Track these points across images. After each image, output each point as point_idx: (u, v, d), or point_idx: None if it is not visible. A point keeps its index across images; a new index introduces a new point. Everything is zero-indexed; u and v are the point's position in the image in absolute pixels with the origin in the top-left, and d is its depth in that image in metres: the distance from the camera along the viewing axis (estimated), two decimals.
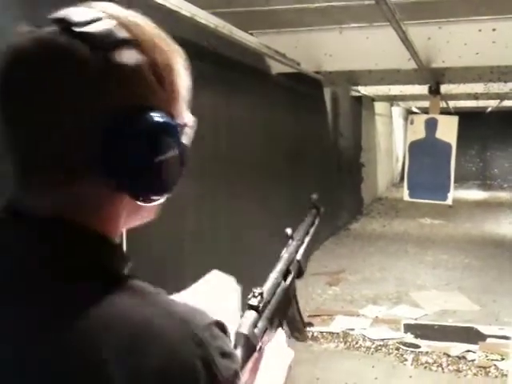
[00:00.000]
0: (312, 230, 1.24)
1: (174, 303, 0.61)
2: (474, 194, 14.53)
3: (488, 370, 3.97)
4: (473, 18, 4.59)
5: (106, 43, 0.59)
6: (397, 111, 15.35)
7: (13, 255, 0.60)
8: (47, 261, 0.59)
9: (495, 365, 4.03)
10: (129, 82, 0.60)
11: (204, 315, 0.61)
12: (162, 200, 0.66)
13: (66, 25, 0.59)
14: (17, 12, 2.28)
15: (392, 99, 11.32)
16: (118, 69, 0.59)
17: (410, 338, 4.54)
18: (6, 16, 2.22)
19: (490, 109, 13.09)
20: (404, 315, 5.07)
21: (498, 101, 10.27)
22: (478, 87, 7.72)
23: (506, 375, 3.83)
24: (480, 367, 4.01)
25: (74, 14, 0.61)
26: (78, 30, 0.59)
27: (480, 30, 4.75)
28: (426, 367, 4.04)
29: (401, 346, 4.37)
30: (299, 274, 1.14)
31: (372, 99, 11.00)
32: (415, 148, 6.50)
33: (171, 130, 0.63)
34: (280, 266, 1.08)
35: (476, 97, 9.05)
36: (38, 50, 0.59)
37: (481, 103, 11.07)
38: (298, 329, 1.17)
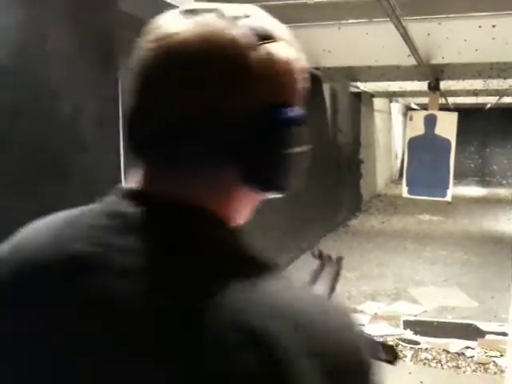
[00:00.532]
0: (324, 275, 1.24)
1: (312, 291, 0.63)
2: (473, 191, 14.53)
3: (487, 366, 3.98)
4: (473, 15, 4.58)
5: (263, 35, 0.60)
6: (396, 107, 15.34)
7: (143, 238, 0.59)
8: (184, 246, 0.59)
9: (494, 361, 4.03)
10: (279, 74, 0.61)
11: (347, 312, 0.61)
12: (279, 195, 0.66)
13: (222, 13, 0.60)
14: (18, 10, 2.26)
15: (391, 95, 11.33)
16: (273, 59, 0.60)
17: (409, 334, 4.54)
18: (8, 15, 2.21)
19: (489, 105, 13.09)
20: (403, 311, 5.07)
21: (498, 97, 10.27)
22: (477, 83, 7.71)
23: (504, 371, 3.84)
24: (479, 364, 4.01)
25: (225, 7, 0.62)
26: (238, 20, 0.60)
27: (480, 27, 4.74)
28: (425, 363, 4.04)
29: (400, 343, 4.37)
30: None
31: (371, 95, 10.98)
32: (414, 144, 6.50)
33: (301, 127, 0.63)
34: None
35: (475, 93, 9.05)
36: (196, 33, 0.59)
37: (480, 100, 11.06)
38: (384, 352, 1.17)
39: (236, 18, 0.60)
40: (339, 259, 1.30)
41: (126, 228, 0.59)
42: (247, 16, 0.61)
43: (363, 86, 8.95)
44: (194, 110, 0.59)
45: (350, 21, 4.73)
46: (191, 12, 0.61)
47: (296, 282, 0.61)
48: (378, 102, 12.47)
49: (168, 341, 0.54)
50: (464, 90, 8.63)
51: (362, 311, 5.08)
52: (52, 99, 2.44)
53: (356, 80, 7.62)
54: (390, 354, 1.21)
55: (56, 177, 2.44)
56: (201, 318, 0.54)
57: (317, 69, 6.05)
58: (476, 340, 4.38)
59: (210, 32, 0.59)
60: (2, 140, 2.23)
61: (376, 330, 4.63)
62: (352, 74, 6.81)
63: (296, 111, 0.62)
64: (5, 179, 2.19)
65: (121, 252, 0.58)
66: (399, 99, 13.21)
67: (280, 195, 0.66)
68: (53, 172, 2.43)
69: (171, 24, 0.61)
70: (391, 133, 15.07)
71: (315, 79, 6.85)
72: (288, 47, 0.63)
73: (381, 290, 5.75)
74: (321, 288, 1.20)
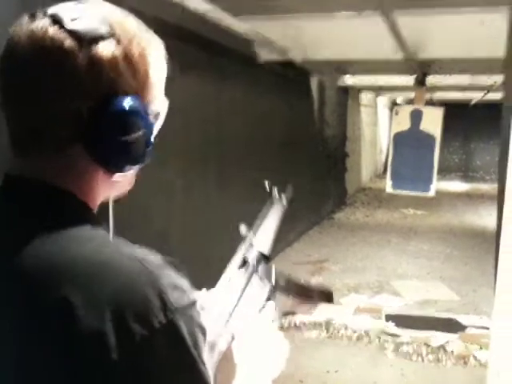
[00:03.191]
0: (269, 217, 1.22)
1: (131, 247, 0.69)
2: (457, 186, 14.65)
3: (467, 359, 4.02)
4: (461, 9, 4.58)
5: (88, 37, 0.69)
6: (382, 102, 15.39)
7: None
8: (23, 211, 0.70)
9: (474, 355, 4.08)
10: (104, 71, 0.69)
11: (157, 257, 0.69)
12: (130, 172, 0.77)
13: (56, 19, 0.70)
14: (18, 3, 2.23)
15: (378, 90, 11.36)
16: (96, 59, 0.69)
17: (391, 327, 4.57)
18: (6, 6, 2.17)
19: (474, 101, 13.16)
20: (385, 304, 5.11)
21: (483, 93, 10.32)
22: (463, 79, 7.75)
23: (484, 365, 3.88)
24: (459, 357, 4.06)
25: (66, 10, 0.71)
26: (66, 24, 0.69)
27: (468, 22, 4.75)
28: (406, 357, 4.08)
29: (382, 336, 4.40)
30: (266, 258, 1.13)
31: (358, 89, 11.00)
32: (399, 139, 6.52)
33: (137, 114, 0.73)
34: (231, 263, 1.09)
35: (461, 89, 9.09)
36: (30, 41, 0.69)
37: (466, 95, 11.12)
38: (316, 297, 1.20)
39: (68, 21, 0.69)
40: (291, 200, 1.31)
41: None
42: (79, 18, 0.70)
43: (350, 80, 8.96)
44: (32, 107, 0.70)
45: (340, 13, 4.71)
46: (33, 17, 0.70)
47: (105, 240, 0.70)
48: (365, 96, 12.50)
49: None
50: (450, 86, 8.67)
51: (345, 304, 5.11)
52: None
53: (343, 73, 7.62)
54: (324, 296, 1.23)
55: None
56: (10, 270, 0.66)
57: (305, 61, 6.04)
58: (457, 333, 4.43)
59: (41, 39, 0.68)
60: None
61: (358, 322, 4.66)
62: (339, 67, 6.80)
63: (127, 101, 0.71)
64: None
65: None
66: (386, 94, 13.25)
67: (125, 174, 0.76)
68: None
69: (15, 31, 0.71)
70: (377, 127, 15.12)
71: (304, 72, 6.84)
72: (123, 44, 0.71)
73: (364, 282, 5.78)
74: (267, 226, 1.20)
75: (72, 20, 0.69)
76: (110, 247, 0.69)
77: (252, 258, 1.09)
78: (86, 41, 0.69)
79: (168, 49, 0.82)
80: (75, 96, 0.69)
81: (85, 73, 0.68)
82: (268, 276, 1.10)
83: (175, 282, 0.67)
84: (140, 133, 0.73)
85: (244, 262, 1.08)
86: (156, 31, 0.80)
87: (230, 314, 0.97)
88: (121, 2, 0.89)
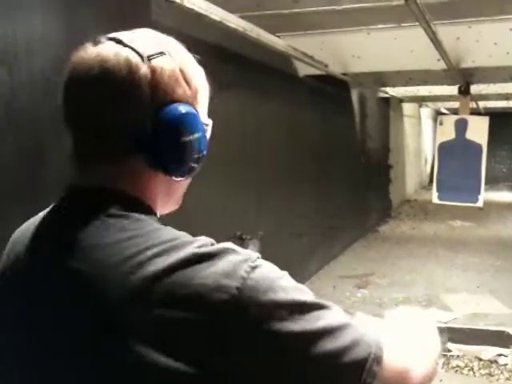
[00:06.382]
0: None
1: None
2: (505, 196, 14.26)
3: None
4: (503, 17, 4.52)
5: (147, 53, 0.76)
6: (425, 112, 15.18)
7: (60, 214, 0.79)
8: (85, 218, 0.75)
9: None
10: (165, 81, 0.76)
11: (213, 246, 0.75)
12: (186, 178, 0.82)
13: (117, 41, 0.78)
14: (58, 27, 2.33)
15: (421, 100, 11.22)
16: (157, 70, 0.76)
17: None
18: (49, 29, 2.28)
19: None
20: (434, 318, 5.01)
21: None
22: (508, 87, 7.59)
23: None
24: None
25: (123, 35, 0.79)
26: (127, 44, 0.77)
27: (511, 29, 4.68)
28: (456, 371, 3.99)
29: None
30: None
31: (400, 100, 10.90)
32: (445, 149, 6.42)
33: (193, 117, 0.79)
34: None
35: (506, 97, 8.90)
36: (97, 59, 0.76)
37: (511, 103, 10.88)
38: None
39: (128, 41, 0.77)
40: (261, 237, 1.38)
41: (53, 214, 0.80)
42: (136, 39, 0.78)
43: (392, 91, 8.89)
44: (99, 119, 0.76)
45: (379, 26, 4.72)
46: (95, 42, 0.78)
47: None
48: (408, 107, 12.36)
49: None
50: (495, 94, 8.50)
51: None
52: None
53: (385, 85, 7.57)
54: None
55: None
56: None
57: (345, 75, 6.04)
58: (509, 347, 4.30)
59: (107, 56, 0.75)
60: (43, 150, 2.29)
61: None
62: (381, 79, 6.78)
63: (185, 107, 0.77)
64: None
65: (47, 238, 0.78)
66: (429, 104, 13.07)
67: (183, 178, 0.81)
68: None
69: (80, 54, 0.77)
70: (421, 138, 14.91)
71: (343, 85, 6.84)
72: (176, 59, 0.79)
73: (412, 296, 5.69)
74: None
75: (130, 41, 0.77)
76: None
77: None
78: (146, 56, 0.76)
79: (208, 68, 0.87)
80: (138, 105, 0.75)
81: (148, 82, 0.75)
82: None
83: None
84: (196, 135, 0.79)
85: None
86: (197, 52, 0.86)
87: None
88: (161, 22, 0.95)
